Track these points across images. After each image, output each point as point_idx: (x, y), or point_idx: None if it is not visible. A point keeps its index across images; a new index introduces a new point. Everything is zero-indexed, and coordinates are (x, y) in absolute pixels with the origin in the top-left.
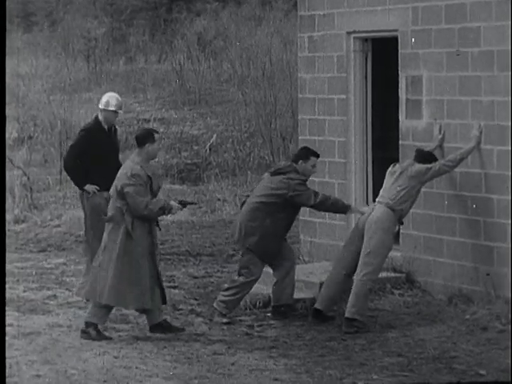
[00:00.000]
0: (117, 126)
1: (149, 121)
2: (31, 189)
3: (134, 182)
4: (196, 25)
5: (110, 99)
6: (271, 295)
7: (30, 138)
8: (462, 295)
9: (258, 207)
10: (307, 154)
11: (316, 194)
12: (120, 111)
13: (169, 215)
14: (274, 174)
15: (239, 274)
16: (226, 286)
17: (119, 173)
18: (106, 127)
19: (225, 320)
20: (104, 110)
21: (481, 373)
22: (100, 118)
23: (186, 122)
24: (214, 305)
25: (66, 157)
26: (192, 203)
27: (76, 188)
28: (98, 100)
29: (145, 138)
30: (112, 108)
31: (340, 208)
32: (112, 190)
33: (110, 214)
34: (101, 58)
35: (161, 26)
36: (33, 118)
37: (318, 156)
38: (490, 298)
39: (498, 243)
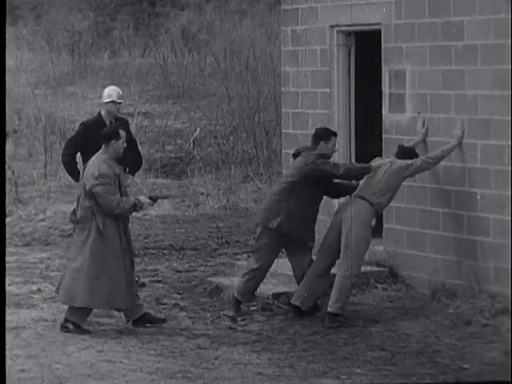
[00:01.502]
0: (127, 118)
1: (133, 114)
2: (16, 183)
3: (102, 181)
4: (180, 19)
5: (111, 92)
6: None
7: (15, 131)
8: (446, 289)
9: (281, 188)
10: (327, 134)
11: (336, 165)
12: (121, 101)
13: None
14: (295, 156)
15: (250, 259)
16: (243, 272)
17: (85, 172)
18: (107, 121)
19: (231, 314)
20: (106, 103)
21: (464, 367)
22: (103, 112)
23: (170, 115)
24: (234, 293)
25: (62, 150)
26: (163, 197)
27: (60, 182)
28: (83, 94)
29: (110, 135)
30: (114, 99)
31: (365, 171)
32: (79, 189)
33: (79, 214)
34: (85, 51)
35: (144, 20)
36: (17, 112)
37: (336, 135)
38: (474, 292)
39: (482, 237)
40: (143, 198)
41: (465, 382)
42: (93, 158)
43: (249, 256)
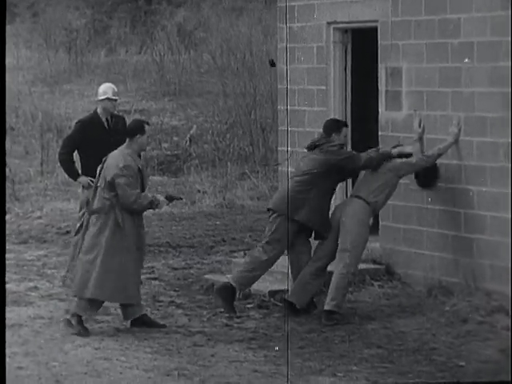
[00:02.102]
0: (124, 115)
1: (129, 112)
2: (13, 180)
3: (125, 173)
4: (176, 16)
5: (106, 89)
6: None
7: (12, 129)
8: (442, 287)
9: (302, 180)
10: (338, 125)
11: (358, 155)
12: (117, 98)
13: (156, 209)
14: (310, 148)
15: (259, 250)
16: (247, 260)
17: (108, 163)
18: (103, 119)
19: (228, 314)
20: (102, 100)
21: (460, 364)
22: (99, 110)
23: (166, 112)
24: (229, 279)
25: (59, 149)
26: (178, 198)
27: (57, 180)
28: (79, 91)
29: (136, 129)
30: (109, 96)
31: (384, 157)
32: (100, 180)
33: (96, 205)
34: (82, 49)
35: (141, 17)
36: (14, 110)
37: (347, 126)
38: (470, 289)
39: (478, 235)
40: (160, 197)
41: (465, 382)
42: (115, 151)
43: (245, 253)
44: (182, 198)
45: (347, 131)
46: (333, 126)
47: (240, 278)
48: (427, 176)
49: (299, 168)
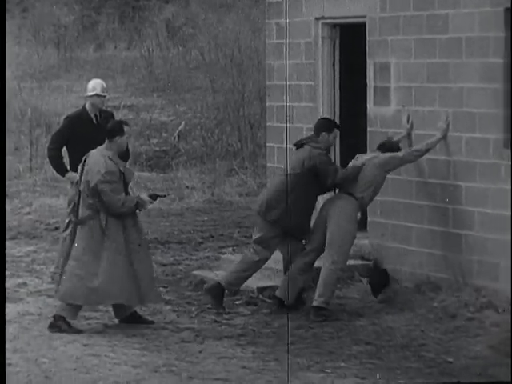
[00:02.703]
0: (112, 111)
1: (118, 108)
2: None
3: (108, 179)
4: (165, 12)
5: (95, 85)
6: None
7: None
8: (431, 283)
9: (282, 180)
10: (330, 125)
11: (336, 171)
12: (105, 94)
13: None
14: (297, 146)
15: (250, 250)
16: (240, 259)
17: (90, 167)
18: (92, 115)
19: (214, 310)
20: (90, 96)
21: (449, 360)
22: (87, 106)
23: (155, 108)
24: (220, 279)
25: (48, 145)
26: (162, 196)
27: (46, 175)
28: (68, 87)
29: (115, 130)
30: (98, 92)
31: (355, 172)
32: (82, 185)
33: (81, 213)
34: (71, 45)
35: (129, 13)
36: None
37: (339, 128)
38: (459, 285)
39: (466, 231)
40: (144, 197)
41: (465, 382)
42: (94, 152)
43: (234, 249)
44: (165, 195)
45: (338, 133)
46: (324, 126)
47: (232, 278)
48: (379, 283)
49: (285, 167)
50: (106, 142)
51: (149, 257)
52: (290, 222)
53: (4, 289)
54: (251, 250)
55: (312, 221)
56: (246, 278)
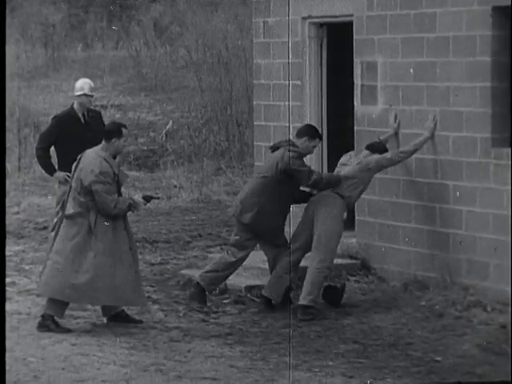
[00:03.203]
0: (100, 110)
1: (106, 107)
2: None
3: (102, 180)
4: (152, 11)
5: (82, 84)
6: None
7: None
8: (418, 282)
9: (256, 183)
10: (314, 133)
11: (311, 173)
12: (93, 94)
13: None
14: (273, 149)
15: (227, 252)
16: (216, 260)
17: (84, 165)
18: (80, 114)
19: (199, 307)
20: (78, 96)
21: (436, 359)
22: (75, 105)
23: (143, 108)
24: (198, 278)
25: (36, 144)
26: (156, 198)
27: (34, 175)
28: (56, 86)
29: (113, 132)
30: (85, 91)
31: (333, 183)
32: (75, 182)
33: (72, 209)
34: (58, 44)
35: (117, 12)
36: None
37: (321, 139)
38: (446, 284)
39: (454, 229)
40: (137, 198)
41: (465, 382)
42: (90, 152)
43: (222, 248)
44: (159, 198)
45: (318, 143)
46: (308, 132)
47: (207, 278)
48: (335, 295)
49: (258, 169)
50: (103, 142)
51: (137, 261)
52: (262, 225)
53: (4, 286)
54: (228, 252)
55: (287, 225)
56: (225, 278)
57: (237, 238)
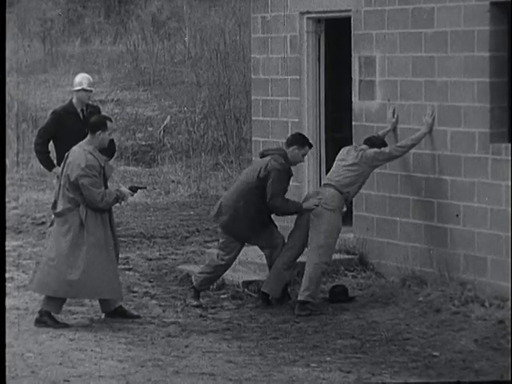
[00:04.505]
0: (98, 105)
1: (104, 102)
2: None
3: (88, 173)
4: (150, 5)
5: (81, 79)
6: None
7: None
8: (415, 277)
9: (237, 186)
10: (304, 141)
11: (282, 191)
12: (92, 89)
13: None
14: (262, 155)
15: (216, 256)
16: (207, 262)
17: (70, 161)
18: (78, 109)
19: (195, 303)
20: (77, 91)
21: (434, 354)
22: (74, 100)
23: (141, 103)
24: (192, 278)
25: (35, 139)
26: (142, 188)
27: (32, 170)
28: (54, 81)
29: (97, 125)
30: (84, 86)
31: (294, 210)
32: (63, 179)
33: (62, 206)
34: (56, 39)
35: (115, 7)
36: None
37: (311, 147)
38: (444, 279)
39: (452, 225)
40: (124, 189)
41: (465, 381)
42: (76, 147)
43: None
44: (146, 187)
45: (308, 151)
46: (298, 140)
47: (199, 279)
48: (339, 294)
49: (242, 174)
50: (88, 136)
51: (118, 254)
52: (234, 230)
53: (4, 282)
54: (218, 255)
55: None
56: (215, 279)
57: (222, 240)
